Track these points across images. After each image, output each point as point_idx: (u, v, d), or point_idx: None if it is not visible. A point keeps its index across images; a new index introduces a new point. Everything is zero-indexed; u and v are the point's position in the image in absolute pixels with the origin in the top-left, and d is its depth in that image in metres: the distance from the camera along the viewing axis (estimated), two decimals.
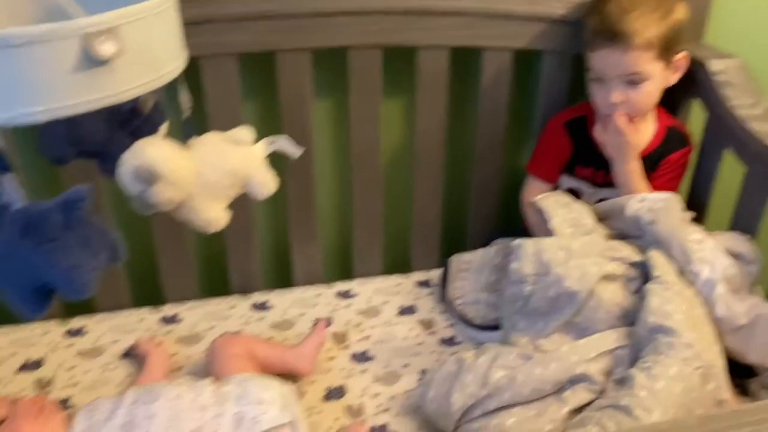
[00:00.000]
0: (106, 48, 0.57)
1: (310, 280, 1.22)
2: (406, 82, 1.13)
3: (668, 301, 0.85)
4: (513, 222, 1.28)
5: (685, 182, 1.16)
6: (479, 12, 1.05)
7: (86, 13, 0.71)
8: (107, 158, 0.75)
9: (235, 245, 1.16)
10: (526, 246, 0.93)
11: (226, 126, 0.85)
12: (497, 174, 1.22)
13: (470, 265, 1.17)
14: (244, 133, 0.83)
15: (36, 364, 1.03)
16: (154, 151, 0.74)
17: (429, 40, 1.06)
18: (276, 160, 1.10)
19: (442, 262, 1.20)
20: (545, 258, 0.92)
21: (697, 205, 1.15)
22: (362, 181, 1.16)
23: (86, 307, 1.10)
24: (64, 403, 0.95)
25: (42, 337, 1.09)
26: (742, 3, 1.22)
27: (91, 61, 0.57)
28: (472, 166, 1.21)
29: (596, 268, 0.91)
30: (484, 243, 1.24)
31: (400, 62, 1.12)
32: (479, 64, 1.11)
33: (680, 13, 1.01)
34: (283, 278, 1.24)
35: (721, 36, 1.19)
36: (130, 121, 0.75)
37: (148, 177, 0.72)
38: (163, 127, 0.78)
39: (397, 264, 1.29)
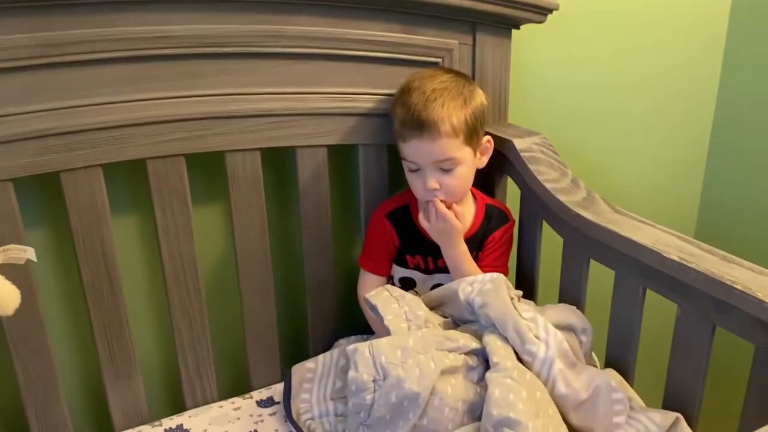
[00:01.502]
0: None
1: (134, 422, 1.06)
2: (219, 187, 1.06)
3: (509, 390, 0.82)
4: (355, 319, 1.22)
5: (513, 257, 1.17)
6: (285, 112, 1.02)
7: None
8: None
9: (35, 396, 0.98)
10: (362, 350, 0.87)
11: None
12: (331, 272, 1.16)
13: (314, 373, 1.09)
14: None
15: None
16: None
17: (235, 143, 1.00)
18: (78, 294, 0.98)
19: (286, 374, 1.11)
20: (382, 361, 0.86)
21: (527, 279, 1.17)
22: (182, 301, 1.04)
23: None
24: None
25: None
26: (537, 83, 1.31)
27: None
28: (303, 267, 1.14)
29: (434, 363, 0.86)
30: (328, 345, 1.17)
31: (209, 167, 1.05)
32: (294, 163, 1.07)
33: (480, 98, 1.04)
34: (99, 425, 1.07)
35: (523, 115, 1.26)
36: None
37: None
38: None
39: (237, 385, 1.17)
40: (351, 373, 0.86)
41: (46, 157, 0.89)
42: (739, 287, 0.77)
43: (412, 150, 0.99)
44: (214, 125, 0.98)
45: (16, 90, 0.86)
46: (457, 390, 0.87)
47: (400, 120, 1.00)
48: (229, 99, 0.98)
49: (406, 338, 0.89)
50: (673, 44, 1.44)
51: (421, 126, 0.97)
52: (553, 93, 1.34)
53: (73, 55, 0.87)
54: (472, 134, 1.01)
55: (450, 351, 0.90)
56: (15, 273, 0.81)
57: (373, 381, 0.85)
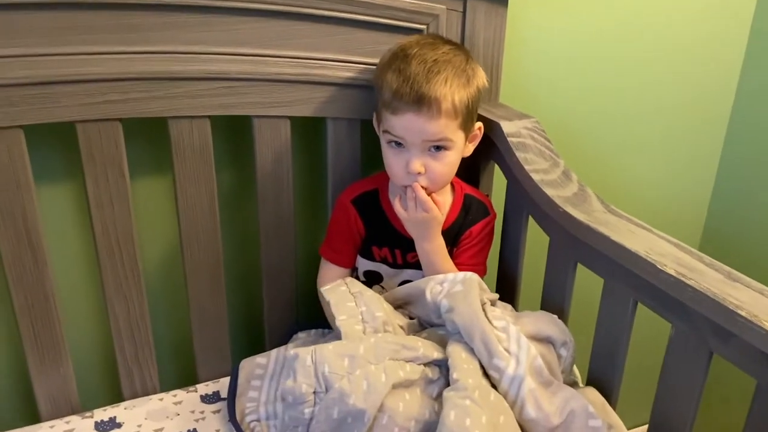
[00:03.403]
0: None
1: (62, 411, 0.96)
2: (164, 158, 0.94)
3: (467, 413, 0.71)
4: (317, 311, 1.11)
5: (495, 254, 1.06)
6: (240, 76, 0.89)
7: None
8: None
9: None
10: (303, 357, 0.76)
11: None
12: (291, 258, 1.04)
13: (265, 370, 0.98)
14: None
15: None
16: None
17: (181, 109, 0.88)
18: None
19: (233, 370, 1.00)
20: (325, 371, 0.75)
21: (509, 279, 1.05)
22: (117, 280, 0.94)
23: None
24: None
25: None
26: (533, 59, 1.17)
27: None
28: (259, 251, 1.03)
29: (386, 376, 0.75)
30: (285, 339, 1.06)
31: (152, 135, 0.94)
32: (252, 134, 0.95)
33: (482, 79, 0.91)
34: (24, 413, 0.98)
35: (516, 95, 1.12)
36: None
37: None
38: None
39: (182, 375, 1.07)
40: (288, 383, 0.75)
41: None
42: (743, 313, 0.65)
43: (403, 124, 0.86)
44: (156, 87, 0.86)
45: None
46: (410, 407, 0.76)
47: (393, 89, 0.85)
48: (174, 58, 0.85)
49: (356, 345, 0.77)
50: (695, 21, 1.28)
51: (420, 100, 0.83)
52: (552, 71, 1.20)
53: None
54: (468, 119, 0.89)
55: (407, 361, 0.79)
56: None
57: (314, 393, 0.75)
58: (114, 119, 0.85)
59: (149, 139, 0.94)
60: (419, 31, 0.97)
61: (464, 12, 0.99)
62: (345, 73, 0.96)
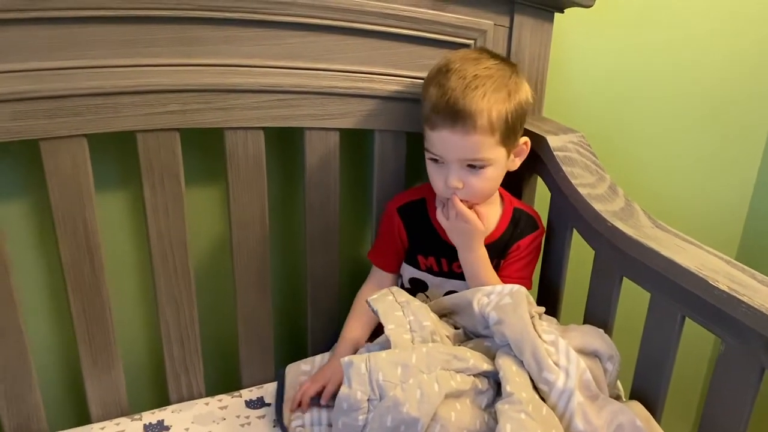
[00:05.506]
0: None
1: (112, 413, 0.99)
2: (217, 167, 0.96)
3: (522, 427, 0.72)
4: None
5: (537, 266, 1.06)
6: (293, 89, 0.91)
7: None
8: None
9: (4, 381, 0.90)
10: (357, 364, 0.77)
11: None
12: (335, 265, 1.06)
13: (309, 376, 1.00)
14: None
15: None
16: None
17: (236, 120, 0.90)
18: (56, 271, 0.90)
19: (279, 375, 1.02)
20: (379, 378, 0.76)
21: (551, 292, 1.06)
22: (169, 286, 0.96)
23: None
24: None
25: None
26: (576, 74, 1.18)
27: None
28: (305, 259, 1.05)
29: (438, 385, 0.76)
30: (328, 346, 1.08)
31: (206, 145, 0.96)
32: (302, 145, 0.97)
33: (525, 93, 0.90)
34: (75, 414, 1.00)
35: (559, 109, 1.14)
36: None
37: None
38: None
39: (226, 381, 1.08)
40: (343, 389, 0.76)
41: (23, 122, 0.80)
42: None
43: (440, 141, 0.87)
44: (213, 99, 0.88)
45: None
46: (462, 417, 0.77)
47: (432, 103, 0.86)
48: (231, 70, 0.88)
49: (409, 354, 0.78)
50: (733, 41, 1.30)
51: (456, 116, 0.84)
52: (594, 86, 1.21)
53: (59, 11, 0.78)
54: (509, 134, 0.88)
55: (458, 371, 0.80)
56: None
57: (368, 400, 0.76)
58: (173, 129, 0.88)
59: (203, 148, 0.97)
60: (466, 45, 0.99)
61: (511, 27, 1.00)
62: (392, 86, 0.97)
